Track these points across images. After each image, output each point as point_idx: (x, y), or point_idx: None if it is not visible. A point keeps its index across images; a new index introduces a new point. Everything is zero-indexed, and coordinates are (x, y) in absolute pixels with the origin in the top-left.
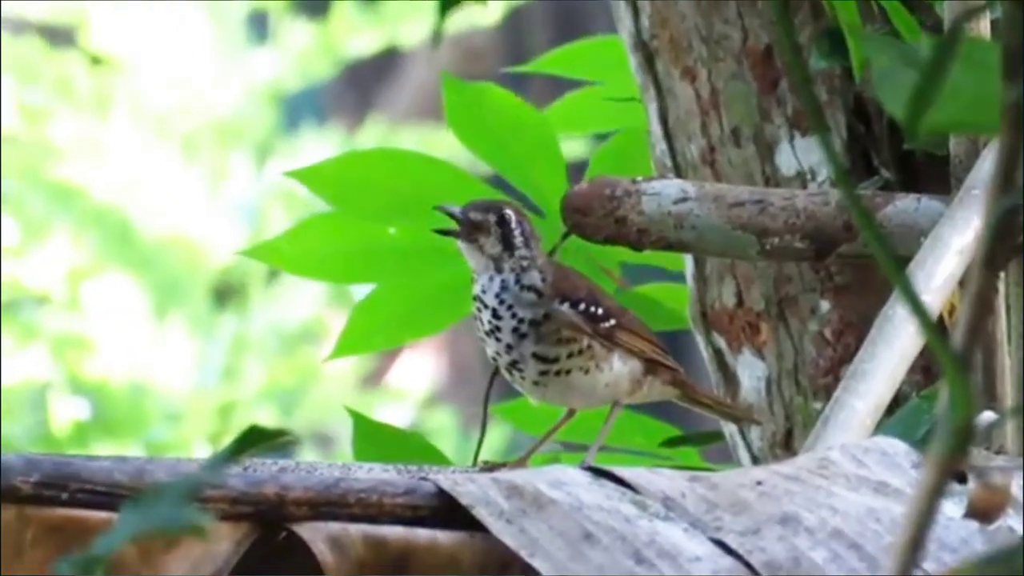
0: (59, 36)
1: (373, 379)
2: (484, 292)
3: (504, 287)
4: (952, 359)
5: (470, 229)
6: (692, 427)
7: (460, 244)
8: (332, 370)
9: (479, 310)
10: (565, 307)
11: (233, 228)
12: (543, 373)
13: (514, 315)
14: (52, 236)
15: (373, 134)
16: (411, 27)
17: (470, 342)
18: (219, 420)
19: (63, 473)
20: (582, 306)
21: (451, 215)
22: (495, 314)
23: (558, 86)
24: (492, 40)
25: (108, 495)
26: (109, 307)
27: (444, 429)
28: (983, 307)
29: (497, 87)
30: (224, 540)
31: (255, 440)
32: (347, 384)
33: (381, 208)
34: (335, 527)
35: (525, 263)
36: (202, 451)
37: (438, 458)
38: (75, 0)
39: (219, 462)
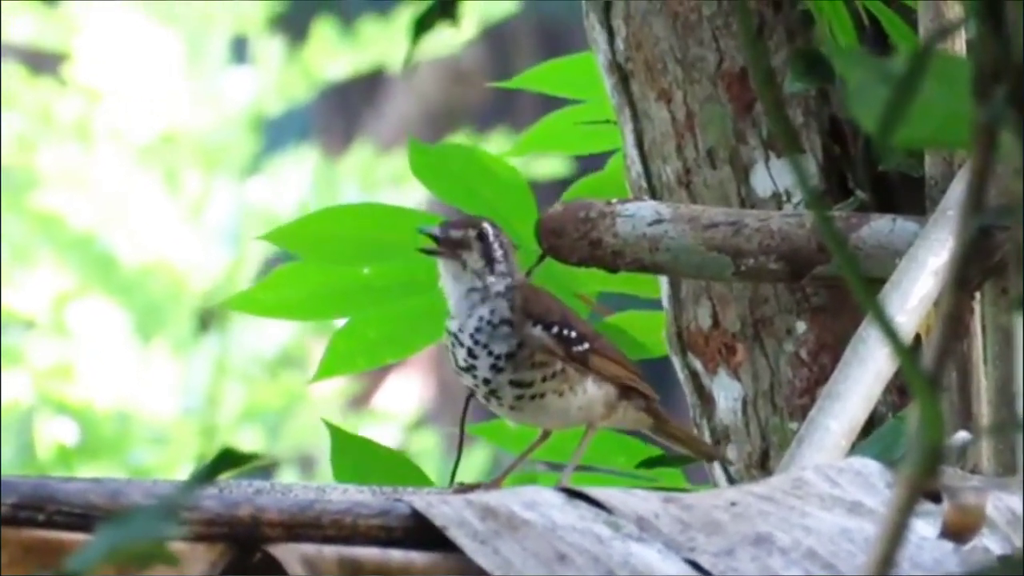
0: (42, 64)
1: (359, 402)
2: (461, 331)
3: (479, 328)
4: (922, 380)
5: (452, 247)
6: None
7: (442, 264)
8: (318, 393)
9: (453, 346)
10: (538, 330)
11: (215, 252)
12: (519, 398)
13: (490, 352)
14: (38, 262)
15: (358, 158)
16: (397, 51)
17: None
18: (204, 443)
19: (39, 495)
20: (555, 329)
21: (431, 236)
22: (471, 353)
23: (546, 108)
24: (479, 62)
25: (84, 517)
26: (93, 332)
27: (430, 451)
28: (955, 328)
29: (459, 145)
30: (199, 561)
31: (229, 463)
32: (333, 407)
33: (352, 256)
34: (310, 548)
35: (507, 281)
36: (186, 474)
37: (417, 475)
38: (59, 26)
39: (193, 484)
